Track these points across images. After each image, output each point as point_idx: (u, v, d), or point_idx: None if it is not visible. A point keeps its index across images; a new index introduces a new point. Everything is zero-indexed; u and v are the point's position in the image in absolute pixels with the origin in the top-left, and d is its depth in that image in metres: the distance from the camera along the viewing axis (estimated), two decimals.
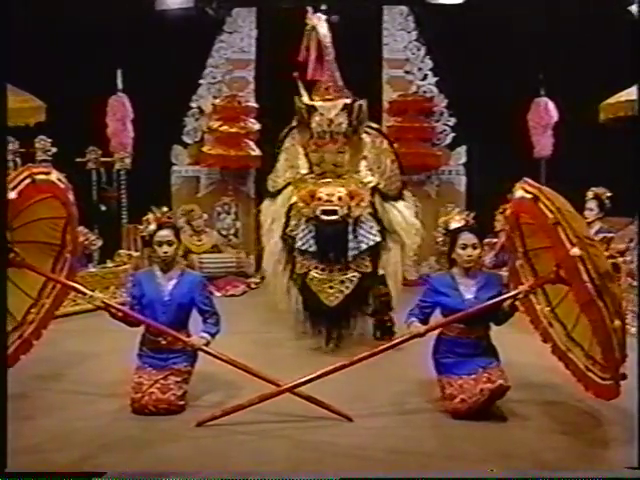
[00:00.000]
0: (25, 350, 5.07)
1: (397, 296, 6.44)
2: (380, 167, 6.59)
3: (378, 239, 6.16)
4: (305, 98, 6.38)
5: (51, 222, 5.05)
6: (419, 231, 6.72)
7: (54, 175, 4.88)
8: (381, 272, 6.34)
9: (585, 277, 3.99)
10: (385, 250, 6.30)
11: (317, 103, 6.28)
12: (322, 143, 6.17)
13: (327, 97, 6.47)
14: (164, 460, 4.00)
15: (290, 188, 6.43)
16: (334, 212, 5.88)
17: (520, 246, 4.96)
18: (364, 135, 6.50)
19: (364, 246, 6.07)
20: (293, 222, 6.24)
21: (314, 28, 6.76)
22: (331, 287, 6.08)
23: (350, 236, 6.00)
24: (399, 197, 6.64)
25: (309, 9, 6.74)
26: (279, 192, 6.62)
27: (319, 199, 5.93)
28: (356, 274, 6.11)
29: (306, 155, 6.36)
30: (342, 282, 6.09)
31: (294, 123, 6.66)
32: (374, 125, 7.01)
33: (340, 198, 5.91)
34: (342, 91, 6.64)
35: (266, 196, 6.92)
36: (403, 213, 6.52)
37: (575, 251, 4.00)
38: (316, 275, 6.10)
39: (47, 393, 5.06)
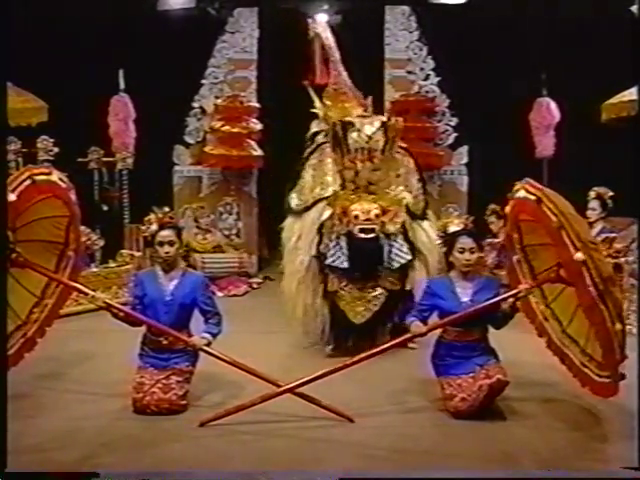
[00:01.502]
0: (29, 348, 5.08)
1: None
2: (408, 186, 6.52)
3: (409, 257, 6.07)
4: (317, 103, 6.39)
5: (54, 220, 5.05)
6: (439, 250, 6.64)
7: (55, 175, 4.88)
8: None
9: (588, 282, 4.01)
10: (412, 269, 6.20)
11: (355, 120, 6.13)
12: (359, 160, 6.05)
13: (364, 115, 6.33)
14: (166, 460, 4.00)
15: (321, 205, 6.30)
16: (372, 230, 5.84)
17: (518, 242, 4.96)
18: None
19: (396, 265, 5.99)
20: (326, 240, 6.12)
21: (317, 34, 6.76)
22: (360, 305, 6.06)
23: (384, 254, 5.95)
24: (424, 216, 6.59)
25: (309, 20, 6.73)
26: (307, 209, 6.46)
27: (355, 217, 5.85)
28: (384, 292, 6.07)
29: (340, 172, 6.23)
30: (370, 300, 6.07)
31: (321, 139, 6.61)
32: (402, 144, 6.94)
33: (377, 215, 5.87)
34: (353, 91, 6.65)
35: (289, 213, 6.67)
36: (428, 232, 6.39)
37: (579, 256, 4.02)
38: (345, 293, 6.07)
39: (49, 392, 5.06)
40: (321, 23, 6.85)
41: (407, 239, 6.14)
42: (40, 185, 4.63)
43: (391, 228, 5.96)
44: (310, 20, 6.70)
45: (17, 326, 4.94)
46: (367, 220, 5.82)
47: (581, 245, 4.04)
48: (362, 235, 5.81)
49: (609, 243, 6.83)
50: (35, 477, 3.69)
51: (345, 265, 5.94)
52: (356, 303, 6.07)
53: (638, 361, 4.02)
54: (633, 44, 5.91)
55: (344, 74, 6.71)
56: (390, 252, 5.96)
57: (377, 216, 5.86)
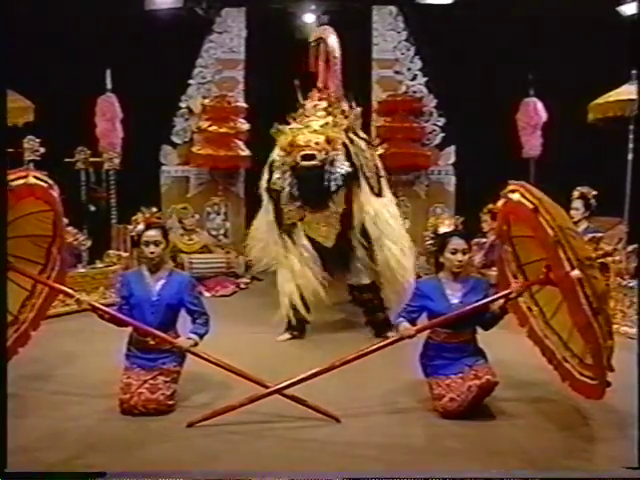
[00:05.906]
0: (23, 343, 5.08)
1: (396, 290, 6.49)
2: None
3: (349, 169, 6.27)
4: (301, 101, 6.59)
5: (40, 215, 5.00)
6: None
7: (32, 178, 4.79)
8: (368, 281, 6.58)
9: (583, 300, 4.00)
10: (356, 189, 6.42)
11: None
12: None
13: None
14: (154, 460, 3.99)
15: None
16: (313, 157, 6.06)
17: (506, 233, 4.96)
18: None
19: (339, 183, 6.20)
20: (276, 175, 6.39)
21: (322, 39, 6.75)
22: (322, 225, 6.43)
23: (328, 179, 6.19)
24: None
25: (318, 26, 6.76)
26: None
27: (299, 146, 6.12)
28: (336, 212, 6.36)
29: None
30: (328, 217, 6.39)
31: None
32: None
33: (317, 143, 6.11)
34: (341, 97, 6.74)
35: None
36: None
37: (576, 273, 4.00)
38: (304, 224, 6.43)
39: (36, 393, 5.03)
40: (329, 30, 6.83)
41: (348, 155, 6.37)
42: (18, 190, 4.57)
43: (332, 154, 6.19)
44: (318, 26, 6.70)
45: (9, 321, 4.91)
46: (308, 147, 6.08)
47: (577, 263, 4.01)
48: (304, 162, 6.07)
49: (595, 243, 6.86)
50: (36, 477, 3.67)
51: (295, 193, 6.26)
52: (320, 224, 6.44)
53: (638, 361, 4.00)
54: (632, 44, 5.90)
55: (340, 83, 6.75)
56: (332, 174, 6.21)
57: (317, 144, 6.10)
